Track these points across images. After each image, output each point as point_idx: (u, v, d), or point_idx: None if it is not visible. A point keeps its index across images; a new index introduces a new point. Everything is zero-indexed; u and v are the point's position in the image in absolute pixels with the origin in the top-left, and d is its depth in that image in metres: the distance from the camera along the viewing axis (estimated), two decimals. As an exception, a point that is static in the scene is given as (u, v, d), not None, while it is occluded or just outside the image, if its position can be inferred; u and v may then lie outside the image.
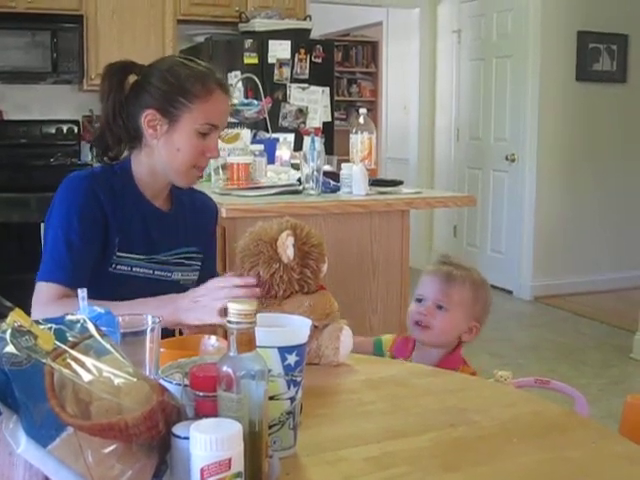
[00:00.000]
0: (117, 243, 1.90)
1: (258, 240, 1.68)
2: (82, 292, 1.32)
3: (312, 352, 1.63)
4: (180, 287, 2.01)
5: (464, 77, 7.14)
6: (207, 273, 2.11)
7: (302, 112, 5.65)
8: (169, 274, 2.00)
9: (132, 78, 1.96)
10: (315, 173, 3.18)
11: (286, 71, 5.62)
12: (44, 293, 1.81)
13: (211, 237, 2.16)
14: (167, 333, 1.61)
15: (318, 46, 5.75)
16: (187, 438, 0.97)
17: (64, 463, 0.92)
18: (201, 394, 1.06)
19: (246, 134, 3.95)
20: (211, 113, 1.90)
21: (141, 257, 1.94)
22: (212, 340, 1.46)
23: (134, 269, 1.93)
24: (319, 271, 1.71)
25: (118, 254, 1.90)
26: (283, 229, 1.68)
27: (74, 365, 0.97)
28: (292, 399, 1.20)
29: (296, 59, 5.63)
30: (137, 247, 1.94)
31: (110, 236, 1.89)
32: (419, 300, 2.05)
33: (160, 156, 1.91)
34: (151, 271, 1.96)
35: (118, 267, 1.91)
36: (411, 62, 7.59)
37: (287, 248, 1.65)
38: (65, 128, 5.72)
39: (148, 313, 1.55)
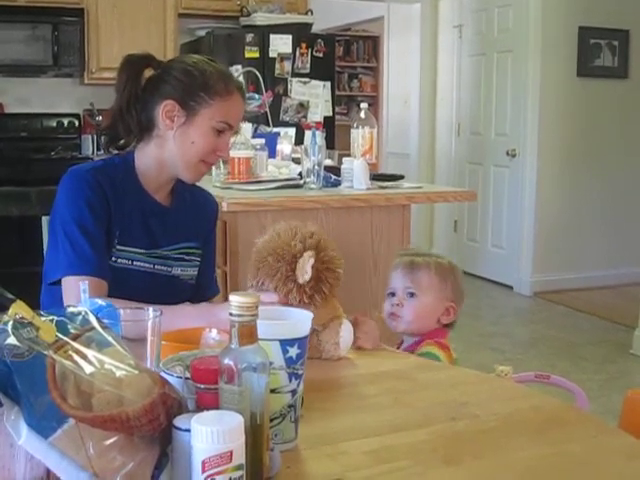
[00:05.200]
0: (117, 236, 1.90)
1: (279, 255, 1.65)
2: (83, 285, 1.32)
3: (313, 347, 1.63)
4: (180, 282, 2.02)
5: (465, 72, 7.13)
6: (206, 269, 2.12)
7: (303, 106, 5.64)
8: (169, 269, 2.00)
9: (148, 72, 1.97)
10: (316, 167, 3.18)
11: (287, 65, 5.62)
12: (77, 288, 1.73)
13: (211, 233, 2.16)
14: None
15: (319, 40, 5.75)
16: (188, 430, 0.97)
17: (65, 455, 0.92)
18: (202, 386, 1.07)
19: (247, 128, 3.95)
20: (229, 112, 1.91)
21: (141, 251, 1.94)
22: (213, 333, 1.46)
23: (134, 263, 1.93)
24: (331, 296, 1.69)
25: (118, 247, 1.90)
26: (307, 247, 1.64)
27: (76, 357, 0.97)
28: (293, 392, 1.21)
29: (297, 53, 5.63)
30: (137, 241, 1.94)
31: (112, 229, 1.90)
32: (392, 294, 2.11)
33: (172, 148, 1.92)
34: (151, 265, 1.96)
35: (119, 261, 1.91)
36: (412, 57, 7.59)
37: (305, 273, 1.62)
38: (66, 121, 5.71)
39: (185, 322, 1.56)
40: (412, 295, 2.06)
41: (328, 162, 3.49)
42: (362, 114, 3.57)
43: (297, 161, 3.66)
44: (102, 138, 2.04)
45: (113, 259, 1.90)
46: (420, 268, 2.08)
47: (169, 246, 2.00)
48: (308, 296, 1.64)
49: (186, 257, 2.04)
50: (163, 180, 1.99)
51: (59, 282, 1.83)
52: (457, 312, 2.11)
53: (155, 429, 0.98)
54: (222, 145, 1.94)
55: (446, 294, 2.09)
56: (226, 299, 1.15)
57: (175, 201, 2.05)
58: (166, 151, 1.93)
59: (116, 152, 2.02)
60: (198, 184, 2.10)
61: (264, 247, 1.69)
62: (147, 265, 1.95)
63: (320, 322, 1.66)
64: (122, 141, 2.00)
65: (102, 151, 2.11)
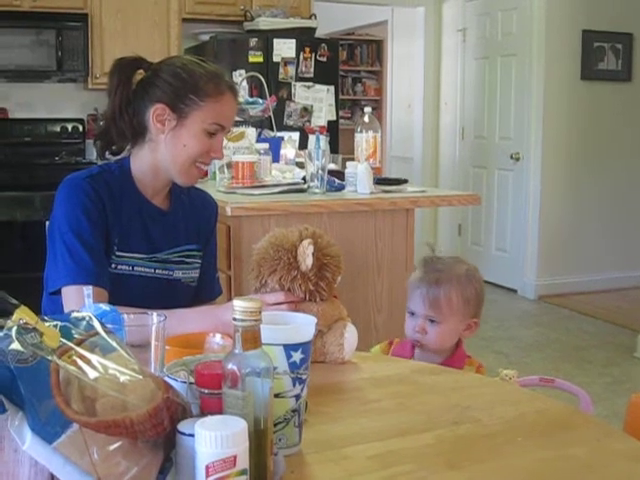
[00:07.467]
0: (117, 243, 1.89)
1: (278, 246, 1.68)
2: (87, 290, 1.33)
3: (317, 350, 1.63)
4: (181, 285, 2.01)
5: (469, 76, 7.13)
6: (207, 271, 2.12)
7: (307, 111, 5.65)
8: (170, 272, 1.99)
9: (139, 75, 1.95)
10: (320, 172, 3.18)
11: (291, 70, 5.62)
12: (78, 297, 1.70)
13: (211, 235, 2.14)
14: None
15: (323, 45, 5.76)
16: (192, 435, 0.97)
17: (69, 460, 0.92)
18: (206, 391, 1.07)
19: (251, 133, 3.95)
20: (220, 114, 1.90)
21: (142, 256, 1.93)
22: (217, 338, 1.46)
23: (135, 268, 1.92)
24: (334, 283, 1.71)
25: (118, 254, 1.89)
26: (304, 237, 1.67)
27: (80, 362, 0.97)
28: (297, 397, 1.21)
29: (301, 58, 5.63)
30: (137, 246, 1.93)
31: (110, 236, 1.88)
32: (412, 313, 2.04)
33: (165, 151, 1.91)
34: (152, 270, 1.95)
35: (119, 267, 1.90)
36: (416, 61, 7.59)
37: (307, 257, 1.64)
38: (70, 126, 5.72)
39: (190, 326, 1.56)
40: (433, 322, 1.99)
41: (332, 166, 3.49)
42: (366, 118, 3.57)
43: (301, 165, 3.66)
44: (96, 144, 2.02)
45: (113, 266, 1.89)
46: (441, 292, 1.98)
47: (169, 250, 1.99)
48: (313, 283, 1.66)
49: (187, 260, 2.03)
50: (159, 184, 1.98)
51: (59, 292, 1.82)
52: (478, 326, 2.07)
53: (159, 434, 0.98)
54: (215, 146, 1.92)
55: (468, 313, 2.02)
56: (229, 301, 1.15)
57: (173, 204, 2.04)
58: (159, 155, 1.92)
59: (115, 158, 2.02)
60: (198, 185, 2.09)
61: (262, 245, 1.72)
62: (148, 270, 1.94)
63: (325, 323, 1.66)
64: (115, 147, 1.99)
65: (99, 159, 2.10)
